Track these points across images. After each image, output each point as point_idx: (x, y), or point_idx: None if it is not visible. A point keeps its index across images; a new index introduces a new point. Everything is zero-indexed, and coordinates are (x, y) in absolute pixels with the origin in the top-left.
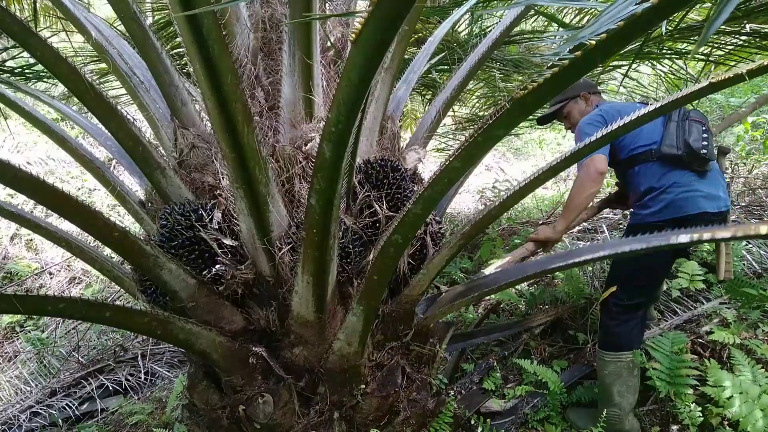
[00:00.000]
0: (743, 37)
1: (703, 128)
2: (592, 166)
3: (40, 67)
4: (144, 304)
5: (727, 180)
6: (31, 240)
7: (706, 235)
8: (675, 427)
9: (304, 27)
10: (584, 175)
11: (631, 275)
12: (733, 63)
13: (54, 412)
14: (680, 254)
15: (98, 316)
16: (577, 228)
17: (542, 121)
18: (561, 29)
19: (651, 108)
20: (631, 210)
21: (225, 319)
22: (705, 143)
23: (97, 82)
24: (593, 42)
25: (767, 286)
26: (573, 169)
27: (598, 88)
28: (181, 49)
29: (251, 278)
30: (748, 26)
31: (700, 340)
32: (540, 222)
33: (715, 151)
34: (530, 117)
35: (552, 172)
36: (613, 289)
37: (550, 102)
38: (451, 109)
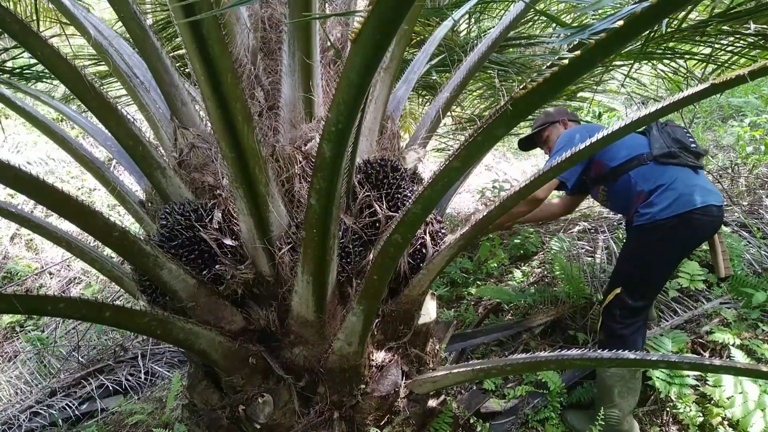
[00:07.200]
0: (750, 39)
1: (685, 130)
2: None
3: (40, 67)
4: (144, 304)
5: (727, 180)
6: (31, 240)
7: None
8: (675, 427)
9: (303, 27)
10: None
11: (637, 274)
12: (735, 62)
13: (54, 412)
14: (689, 250)
15: (98, 316)
16: (577, 228)
17: (523, 145)
18: (560, 28)
19: (645, 113)
20: (636, 212)
21: (225, 319)
22: (691, 139)
23: (98, 83)
24: (593, 41)
25: (767, 286)
26: None
27: (577, 115)
28: (181, 51)
29: (251, 278)
30: (753, 26)
31: (700, 340)
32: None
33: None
34: (530, 117)
35: (552, 172)
36: (617, 291)
37: (531, 127)
38: (451, 109)
